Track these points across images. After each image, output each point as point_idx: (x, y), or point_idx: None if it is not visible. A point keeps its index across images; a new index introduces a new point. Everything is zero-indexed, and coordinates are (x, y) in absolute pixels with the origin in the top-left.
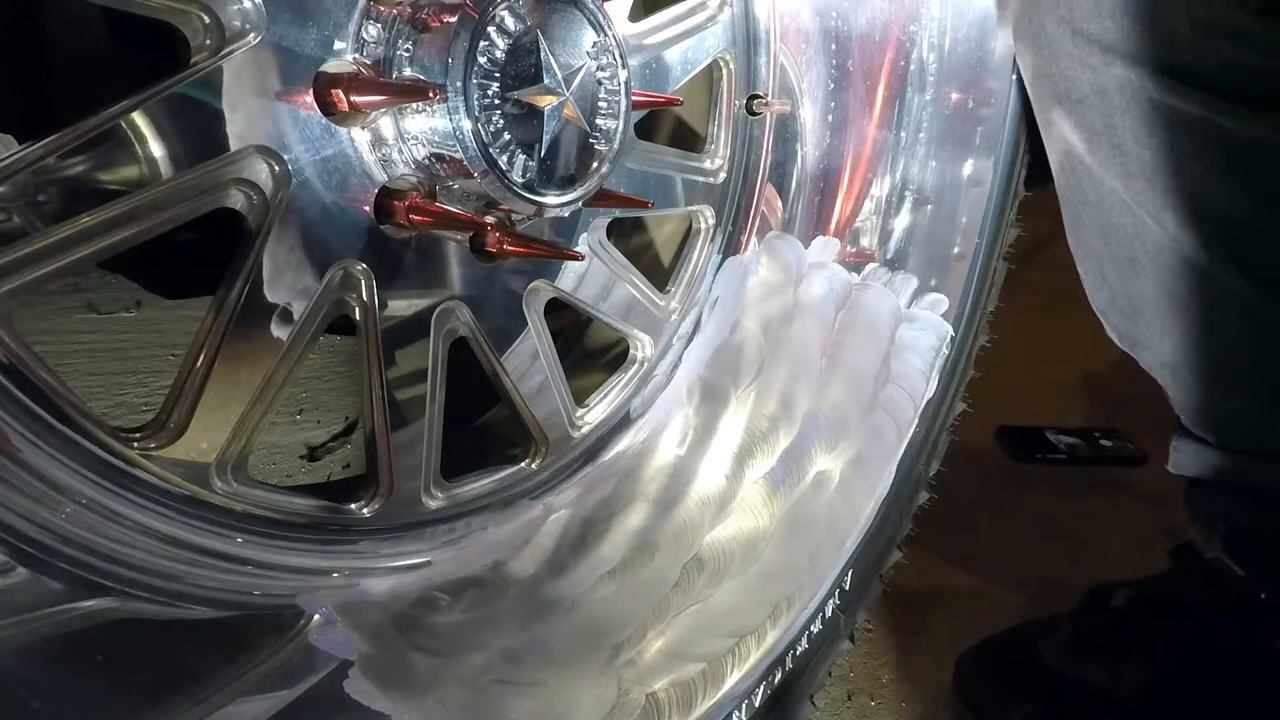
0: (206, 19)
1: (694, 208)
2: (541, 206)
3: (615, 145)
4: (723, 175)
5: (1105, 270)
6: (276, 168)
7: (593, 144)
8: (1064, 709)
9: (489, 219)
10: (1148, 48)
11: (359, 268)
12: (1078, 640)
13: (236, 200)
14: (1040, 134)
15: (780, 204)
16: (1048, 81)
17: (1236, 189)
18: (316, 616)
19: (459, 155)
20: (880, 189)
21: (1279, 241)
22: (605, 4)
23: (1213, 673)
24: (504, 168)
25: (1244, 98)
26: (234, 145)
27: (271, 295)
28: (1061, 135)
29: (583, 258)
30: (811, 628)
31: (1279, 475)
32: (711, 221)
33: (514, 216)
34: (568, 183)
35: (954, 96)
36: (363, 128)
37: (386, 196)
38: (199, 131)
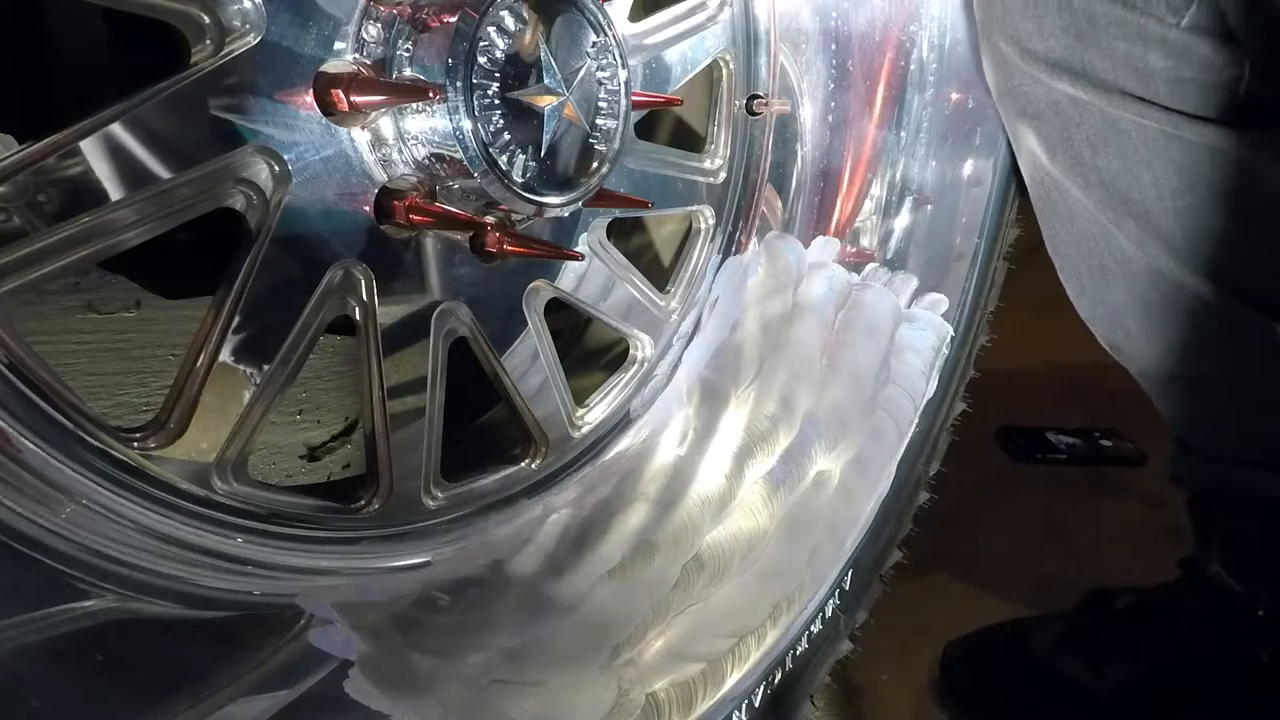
0: (206, 19)
1: (694, 208)
2: (541, 206)
3: (615, 145)
4: (723, 175)
5: (1083, 279)
6: (276, 168)
7: (593, 144)
8: (1043, 700)
9: (489, 219)
10: (1090, 64)
11: (359, 268)
12: (1065, 637)
13: (236, 200)
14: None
15: (780, 204)
16: (1009, 97)
17: (1190, 197)
18: (316, 616)
19: (459, 155)
20: (880, 189)
21: (1238, 247)
22: (605, 4)
23: (1194, 678)
24: (504, 168)
25: (1185, 109)
26: (233, 145)
27: (271, 296)
28: (1028, 148)
29: (583, 258)
30: (811, 628)
31: (1278, 487)
32: (711, 221)
33: (514, 216)
34: (568, 183)
35: (954, 96)
36: (363, 128)
37: (386, 196)
38: (199, 131)
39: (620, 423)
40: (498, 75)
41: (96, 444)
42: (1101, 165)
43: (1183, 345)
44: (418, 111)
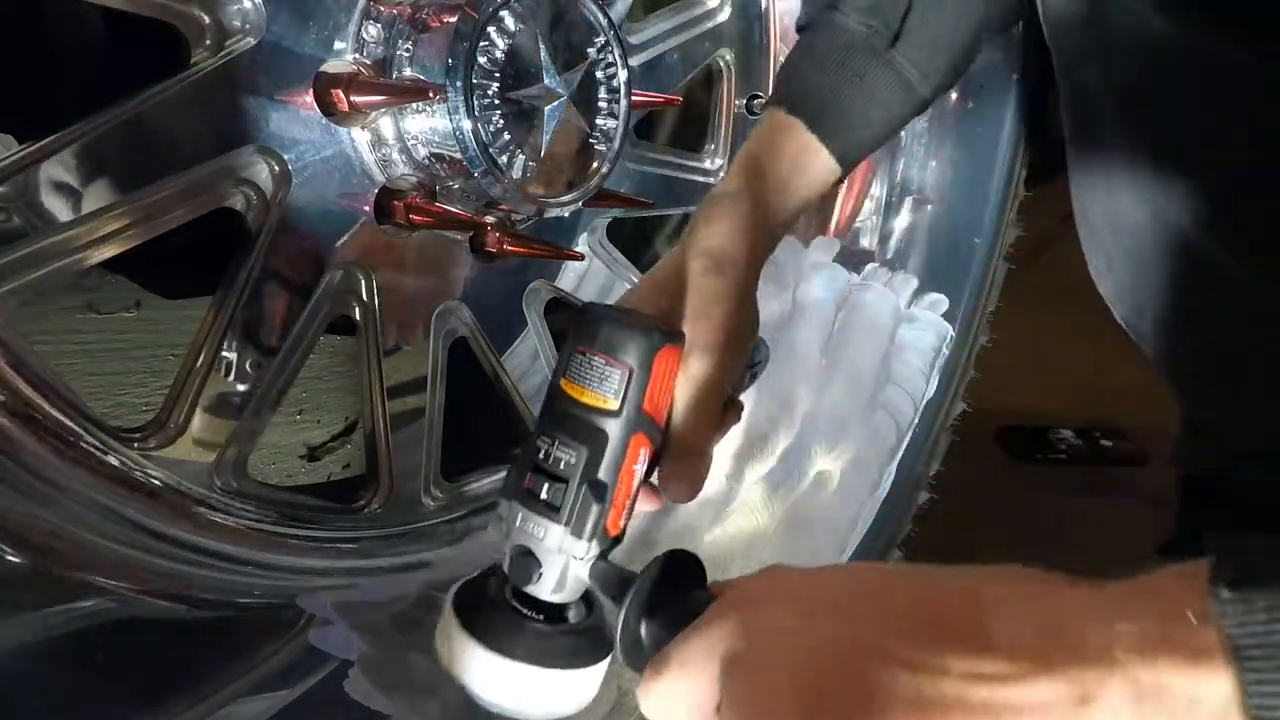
0: (206, 19)
1: (694, 208)
2: (542, 206)
3: (615, 145)
4: (723, 175)
5: (1110, 252)
6: (276, 168)
7: (593, 144)
8: None
9: (489, 219)
10: None
11: (359, 268)
12: None
13: (236, 200)
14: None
15: None
16: (1087, 30)
17: (1253, 142)
18: (316, 616)
19: (459, 155)
20: (880, 189)
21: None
22: (605, 4)
23: None
24: (504, 168)
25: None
26: (234, 145)
27: (271, 296)
28: (1075, 114)
29: (583, 258)
30: None
31: (1275, 486)
32: None
33: (514, 216)
34: (568, 183)
35: (954, 96)
36: (363, 128)
37: (386, 196)
38: (200, 131)
39: None
40: (498, 75)
41: (97, 444)
42: (1180, 104)
43: (1213, 323)
44: (418, 111)
